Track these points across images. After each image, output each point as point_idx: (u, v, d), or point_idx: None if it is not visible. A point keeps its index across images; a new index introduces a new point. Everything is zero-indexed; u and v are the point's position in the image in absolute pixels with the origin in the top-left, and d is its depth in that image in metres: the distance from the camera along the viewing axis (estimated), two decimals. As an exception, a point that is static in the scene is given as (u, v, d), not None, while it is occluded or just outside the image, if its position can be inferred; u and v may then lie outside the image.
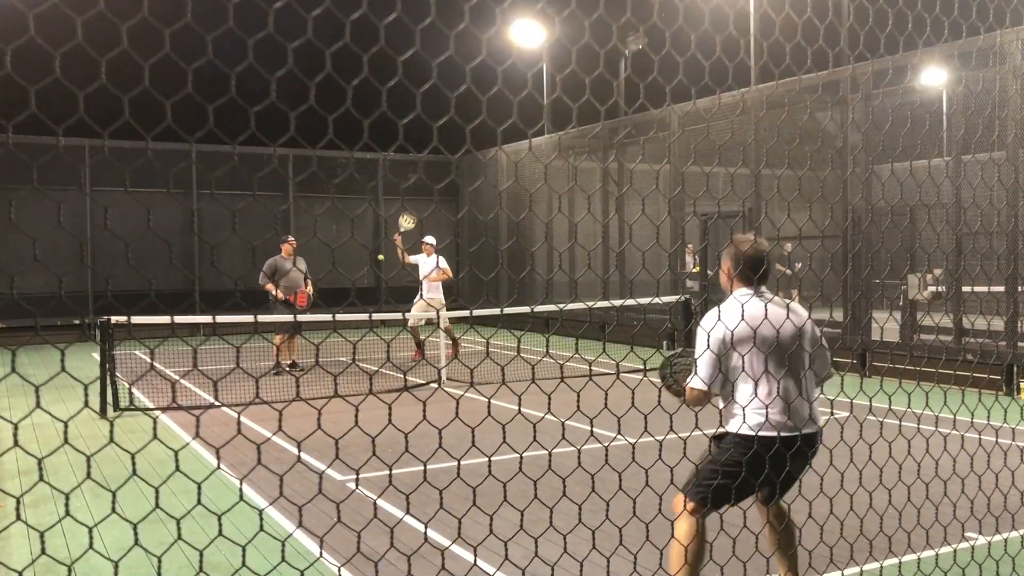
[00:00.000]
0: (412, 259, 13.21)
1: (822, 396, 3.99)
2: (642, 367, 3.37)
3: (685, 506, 3.75)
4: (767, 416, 3.69)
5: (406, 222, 13.35)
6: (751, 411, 3.70)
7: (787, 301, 3.90)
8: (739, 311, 3.64)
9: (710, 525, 3.79)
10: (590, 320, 15.18)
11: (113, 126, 2.26)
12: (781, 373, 3.73)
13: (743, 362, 3.70)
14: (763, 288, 3.87)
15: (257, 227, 18.69)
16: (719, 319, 3.72)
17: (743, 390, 3.74)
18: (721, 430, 3.86)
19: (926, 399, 4.28)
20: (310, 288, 12.52)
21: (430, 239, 13.06)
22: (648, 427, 2.99)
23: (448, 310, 12.58)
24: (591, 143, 18.26)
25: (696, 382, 3.74)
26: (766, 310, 3.69)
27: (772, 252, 3.88)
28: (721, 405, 3.85)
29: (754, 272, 3.82)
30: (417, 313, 12.52)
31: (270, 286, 12.25)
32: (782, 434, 3.68)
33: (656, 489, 3.26)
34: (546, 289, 19.03)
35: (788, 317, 3.77)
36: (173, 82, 2.25)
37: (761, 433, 3.68)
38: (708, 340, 3.72)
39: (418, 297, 12.89)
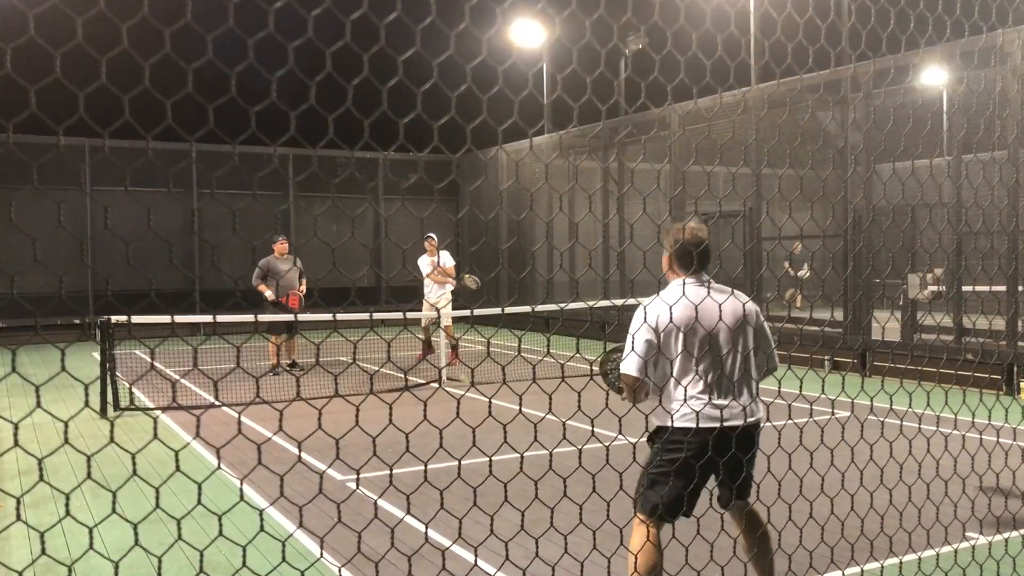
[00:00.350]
0: (420, 265, 13.01)
1: (823, 396, 3.98)
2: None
3: (637, 516, 3.69)
4: (705, 407, 3.60)
5: (471, 282, 13.21)
6: (688, 403, 3.60)
7: (730, 288, 3.75)
8: (675, 298, 3.55)
9: (709, 525, 3.78)
10: (591, 320, 15.19)
11: (113, 126, 2.26)
12: (719, 362, 3.63)
13: (678, 351, 3.59)
14: (704, 275, 3.78)
15: (257, 227, 18.69)
16: (653, 306, 3.62)
17: (679, 381, 3.65)
18: (658, 424, 3.75)
19: (927, 399, 4.28)
20: (304, 287, 12.47)
21: (432, 236, 12.95)
22: (649, 427, 2.99)
23: (450, 309, 12.57)
24: (592, 142, 18.26)
25: (628, 367, 3.61)
26: (704, 298, 3.59)
27: (709, 237, 3.81)
28: (657, 398, 3.74)
29: (692, 258, 3.71)
30: (427, 314, 12.46)
31: (263, 287, 12.21)
32: (724, 424, 3.60)
33: (657, 489, 3.25)
34: (547, 289, 19.03)
35: (724, 305, 3.64)
36: (173, 82, 2.24)
37: (701, 425, 3.60)
38: (640, 327, 3.61)
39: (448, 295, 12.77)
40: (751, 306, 3.75)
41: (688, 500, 3.61)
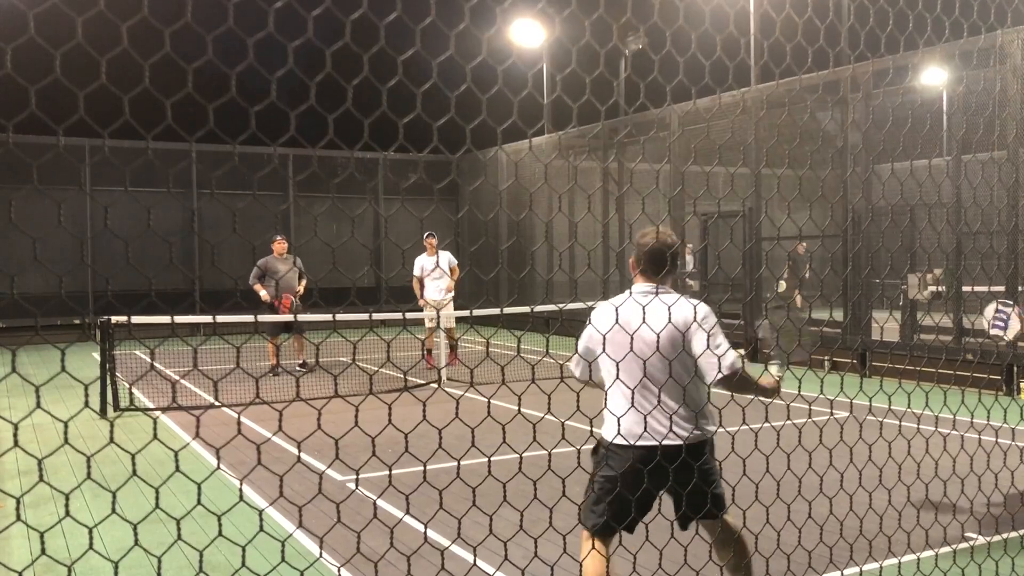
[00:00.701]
0: (418, 268, 12.98)
1: (822, 396, 3.97)
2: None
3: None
4: (635, 425, 3.40)
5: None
6: (625, 418, 3.40)
7: (679, 295, 3.57)
8: (620, 307, 3.42)
9: (709, 524, 3.78)
10: (591, 320, 15.15)
11: (113, 126, 2.26)
12: (656, 375, 3.42)
13: (609, 360, 3.43)
14: (665, 283, 3.61)
15: (257, 227, 18.69)
16: (599, 309, 3.56)
17: (616, 394, 3.47)
18: (599, 436, 3.58)
19: (926, 399, 4.28)
20: (302, 287, 12.44)
21: (433, 235, 12.92)
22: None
23: (452, 309, 12.57)
24: (591, 143, 18.27)
25: (571, 367, 3.58)
26: (646, 304, 3.39)
27: (678, 246, 3.65)
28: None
29: (654, 266, 3.56)
30: (429, 313, 12.43)
31: (259, 287, 12.19)
32: (663, 443, 3.39)
33: (656, 489, 3.25)
34: (546, 289, 19.04)
35: (665, 313, 3.44)
36: (173, 82, 2.25)
37: (638, 443, 3.40)
38: (585, 329, 3.55)
39: (450, 296, 12.73)
40: (702, 308, 3.51)
41: (630, 517, 3.43)
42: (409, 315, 12.28)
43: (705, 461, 3.52)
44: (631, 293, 3.55)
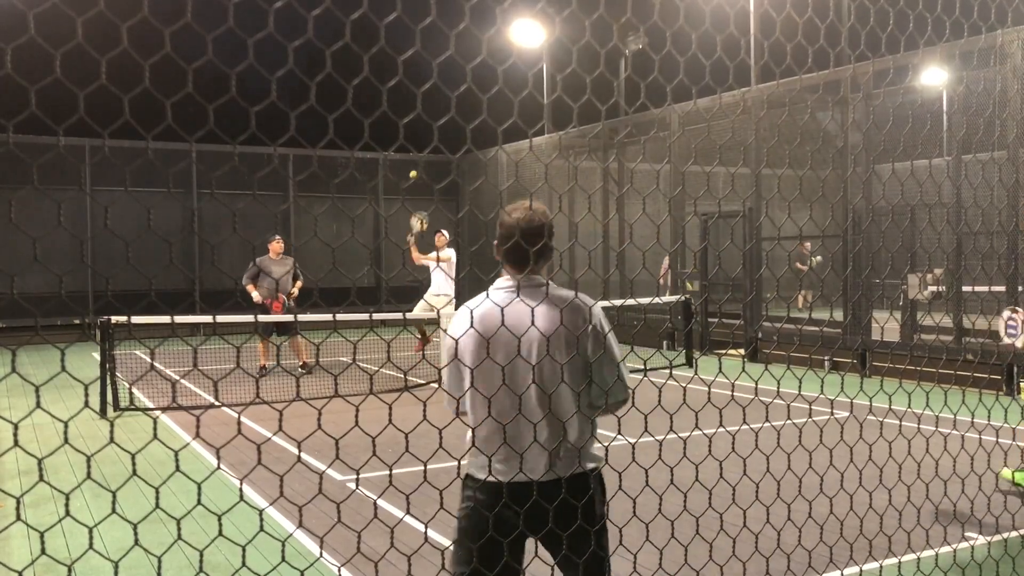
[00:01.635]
0: (425, 260, 12.96)
1: (822, 396, 3.96)
2: (642, 367, 3.36)
3: None
4: (495, 453, 2.82)
5: (419, 223, 13.06)
6: (484, 445, 2.85)
7: (572, 293, 2.88)
8: (476, 304, 2.81)
9: (709, 525, 3.78)
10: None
11: (113, 126, 2.26)
12: (526, 394, 2.80)
13: (469, 375, 2.83)
14: (537, 275, 2.92)
15: (257, 227, 18.69)
16: (460, 313, 2.91)
17: (477, 416, 2.88)
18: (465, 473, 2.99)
19: (926, 399, 4.28)
20: (297, 289, 12.43)
21: (443, 232, 12.90)
22: (648, 427, 2.99)
23: (452, 308, 12.55)
24: (591, 143, 18.26)
25: (444, 382, 3.00)
26: (509, 305, 2.76)
27: (548, 226, 2.94)
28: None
29: (522, 250, 2.81)
30: (427, 313, 12.41)
31: (251, 287, 12.18)
32: (534, 479, 2.79)
33: (656, 489, 3.25)
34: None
35: (542, 316, 2.79)
36: (173, 82, 2.25)
37: (492, 477, 2.82)
38: (444, 351, 2.91)
39: (450, 292, 12.69)
40: (598, 308, 2.90)
41: (497, 564, 2.82)
42: (409, 316, 12.28)
43: (590, 500, 2.88)
44: (494, 289, 2.90)
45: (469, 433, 2.89)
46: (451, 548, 2.95)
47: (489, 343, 2.75)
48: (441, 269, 12.57)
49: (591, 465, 2.91)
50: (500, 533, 2.78)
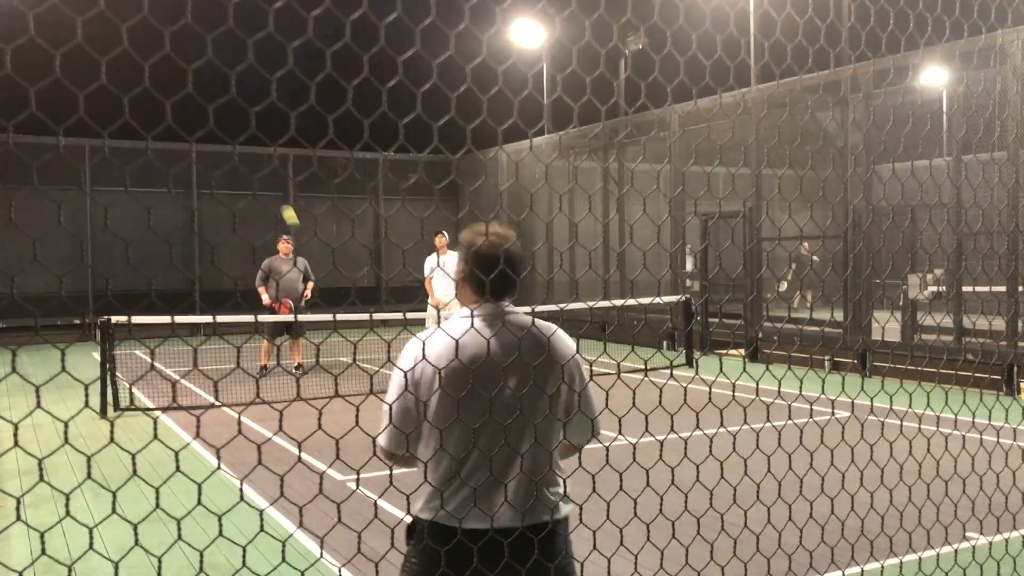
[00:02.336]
0: (427, 270, 12.85)
1: (823, 396, 3.96)
2: (643, 367, 3.36)
3: None
4: (461, 498, 2.56)
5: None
6: (441, 488, 2.58)
7: (530, 320, 2.69)
8: (453, 333, 2.54)
9: (709, 524, 3.78)
10: (591, 320, 15.20)
11: (113, 126, 2.26)
12: (496, 430, 2.55)
13: (431, 410, 2.56)
14: (504, 302, 2.68)
15: (257, 227, 18.68)
16: (414, 344, 2.64)
17: (431, 455, 2.59)
18: (412, 517, 2.68)
19: (927, 399, 4.28)
20: (309, 290, 12.43)
21: (443, 233, 12.90)
22: (649, 427, 2.99)
23: (446, 308, 12.56)
24: (592, 143, 18.26)
25: (382, 439, 2.65)
26: (491, 335, 2.57)
27: (520, 253, 2.68)
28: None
29: (486, 277, 2.60)
30: (431, 313, 12.39)
31: (262, 289, 12.20)
32: (497, 525, 2.53)
33: (657, 489, 3.25)
34: (547, 289, 19.04)
35: (517, 346, 2.57)
36: (173, 82, 2.24)
37: (462, 526, 2.53)
38: (395, 376, 2.62)
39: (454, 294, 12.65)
40: (568, 346, 2.71)
41: None
42: (410, 315, 12.27)
43: (564, 553, 2.68)
44: (472, 317, 2.62)
45: (434, 476, 2.61)
46: None
47: (449, 373, 2.54)
48: (446, 275, 12.52)
49: (569, 504, 2.74)
50: None
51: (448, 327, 2.58)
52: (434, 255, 12.95)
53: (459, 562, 2.52)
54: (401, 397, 2.59)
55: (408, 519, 2.72)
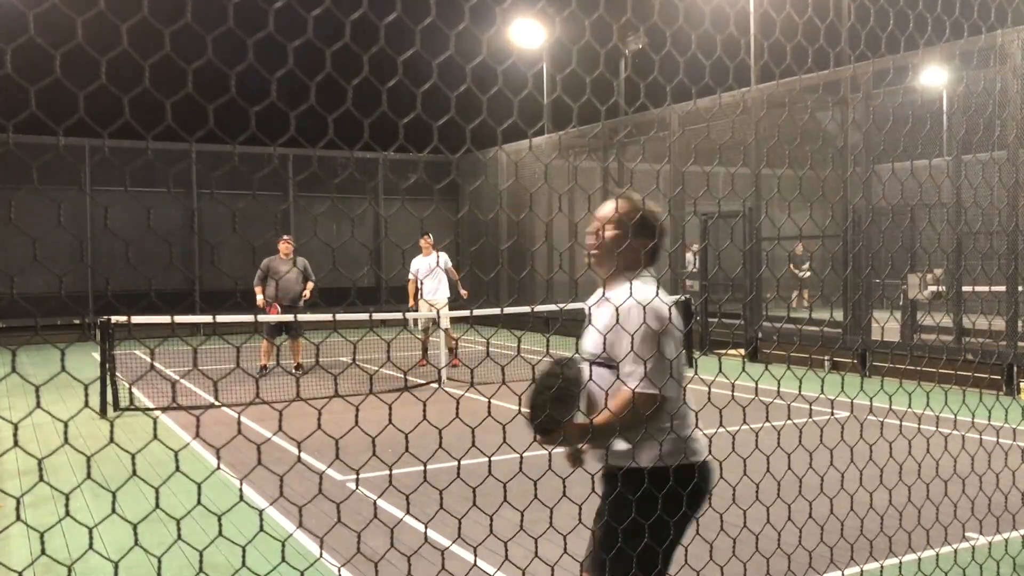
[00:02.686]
0: (413, 271, 12.99)
1: (822, 396, 3.95)
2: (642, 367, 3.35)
3: None
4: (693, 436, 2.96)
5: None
6: (683, 429, 2.94)
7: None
8: (655, 295, 2.89)
9: (708, 524, 3.78)
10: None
11: (113, 126, 2.26)
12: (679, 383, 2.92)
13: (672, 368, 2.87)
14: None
15: (257, 227, 18.69)
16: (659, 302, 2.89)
17: (673, 403, 2.89)
18: (630, 464, 2.89)
19: (926, 399, 4.28)
20: (308, 291, 12.42)
21: (428, 235, 12.96)
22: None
23: (448, 310, 12.57)
24: (591, 143, 18.27)
25: (646, 385, 2.83)
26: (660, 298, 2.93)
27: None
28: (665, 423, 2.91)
29: (652, 244, 3.00)
30: (425, 313, 12.43)
31: (258, 289, 12.19)
32: (699, 460, 3.00)
33: (656, 489, 3.25)
34: (546, 289, 19.04)
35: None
36: (173, 82, 2.24)
37: (686, 461, 2.93)
38: (663, 334, 2.85)
39: (447, 295, 12.73)
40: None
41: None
42: (409, 315, 12.29)
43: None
44: (648, 283, 2.97)
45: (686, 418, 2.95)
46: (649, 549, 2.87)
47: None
48: (437, 274, 12.58)
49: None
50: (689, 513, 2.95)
51: (650, 291, 2.88)
52: (419, 257, 12.98)
53: (699, 489, 2.93)
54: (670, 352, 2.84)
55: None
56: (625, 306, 2.83)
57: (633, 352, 2.81)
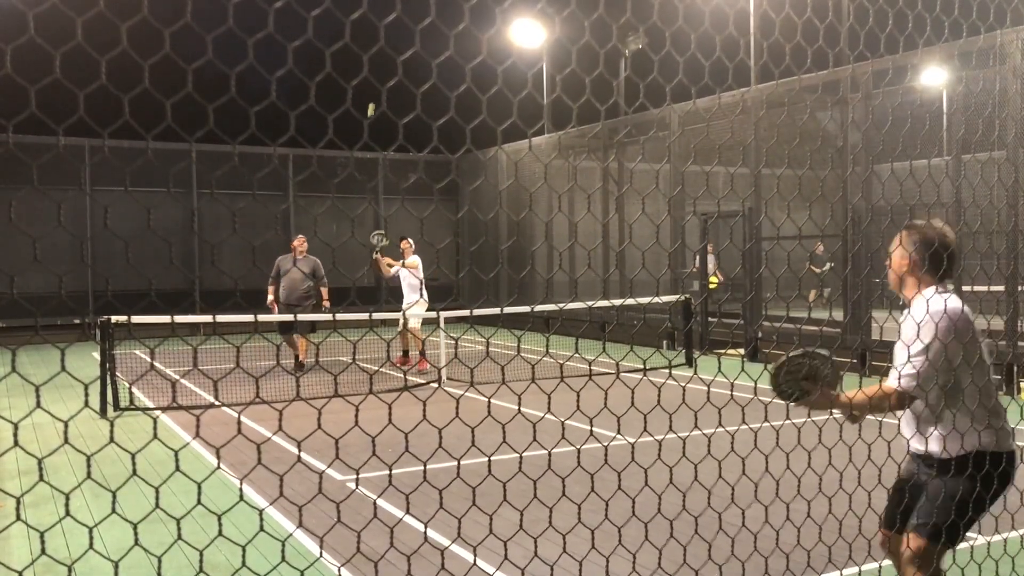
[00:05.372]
0: (394, 269, 13.01)
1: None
2: (642, 367, 3.37)
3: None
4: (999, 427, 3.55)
5: (379, 241, 13.14)
6: (993, 420, 3.54)
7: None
8: (957, 307, 3.45)
9: (708, 524, 3.79)
10: (590, 320, 15.19)
11: (113, 126, 2.26)
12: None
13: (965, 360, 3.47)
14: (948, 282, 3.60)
15: (257, 227, 18.69)
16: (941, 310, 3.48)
17: (971, 397, 3.51)
18: (967, 450, 3.50)
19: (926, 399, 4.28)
20: (326, 298, 12.47)
21: (408, 239, 13.01)
22: (647, 427, 3.00)
23: (447, 310, 12.58)
24: (591, 143, 18.27)
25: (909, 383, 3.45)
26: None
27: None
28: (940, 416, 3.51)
29: (945, 263, 3.59)
30: (420, 312, 12.43)
31: (271, 289, 12.35)
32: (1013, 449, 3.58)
33: (655, 489, 3.26)
34: (546, 289, 19.04)
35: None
36: (173, 82, 2.25)
37: (996, 449, 3.53)
38: (942, 333, 3.41)
39: (417, 297, 12.74)
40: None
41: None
42: (390, 314, 12.35)
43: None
44: (943, 292, 3.57)
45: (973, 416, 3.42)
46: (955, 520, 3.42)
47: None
48: (411, 275, 12.61)
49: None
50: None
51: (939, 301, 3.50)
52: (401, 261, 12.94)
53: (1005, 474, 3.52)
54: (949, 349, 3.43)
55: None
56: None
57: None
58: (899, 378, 3.41)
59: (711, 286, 15.94)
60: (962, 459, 3.46)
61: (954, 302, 3.47)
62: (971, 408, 3.44)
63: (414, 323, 12.29)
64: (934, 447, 3.51)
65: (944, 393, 3.43)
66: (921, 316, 3.44)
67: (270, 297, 12.29)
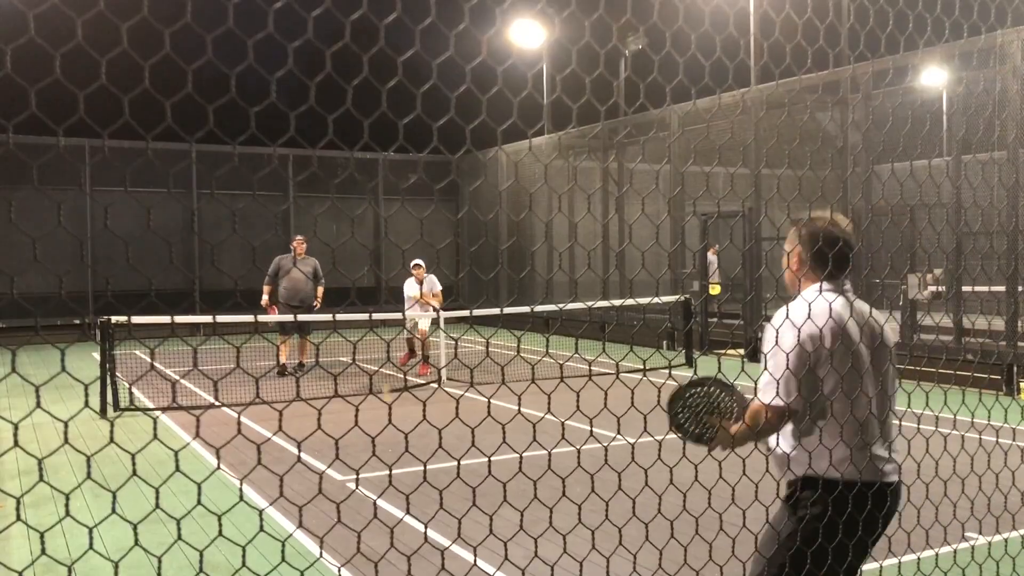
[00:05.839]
0: (409, 298, 12.89)
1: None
2: (642, 367, 3.36)
3: None
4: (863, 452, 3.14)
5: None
6: (844, 442, 3.09)
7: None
8: (833, 304, 3.07)
9: (708, 524, 3.79)
10: (590, 320, 15.19)
11: (113, 126, 2.26)
12: (888, 389, 3.25)
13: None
14: (843, 281, 3.28)
15: (257, 227, 18.70)
16: (799, 317, 3.03)
17: (842, 413, 3.08)
18: (804, 473, 3.10)
19: (926, 399, 4.28)
20: (319, 297, 12.44)
21: (420, 263, 12.85)
22: (648, 427, 2.99)
23: (446, 310, 12.57)
24: (591, 143, 18.27)
25: (766, 397, 3.05)
26: (849, 309, 3.13)
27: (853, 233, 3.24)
28: (790, 440, 3.11)
29: (841, 265, 3.25)
30: (420, 313, 12.42)
31: (268, 289, 12.22)
32: (885, 479, 3.20)
33: (655, 489, 3.25)
34: (546, 289, 19.04)
35: (869, 317, 3.20)
36: (173, 82, 2.25)
37: (847, 478, 3.09)
38: (787, 341, 2.99)
39: (412, 304, 12.67)
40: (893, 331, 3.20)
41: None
42: (390, 316, 12.34)
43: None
44: (821, 292, 3.12)
45: (795, 432, 3.05)
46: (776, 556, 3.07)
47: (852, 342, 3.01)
48: (430, 305, 12.50)
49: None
50: (852, 535, 3.01)
51: (805, 303, 3.05)
52: (411, 280, 12.79)
53: (863, 512, 3.05)
54: (808, 356, 2.98)
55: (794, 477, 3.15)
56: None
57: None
58: (757, 391, 3.04)
59: (713, 292, 15.92)
60: (808, 482, 3.07)
61: (821, 303, 3.07)
62: (840, 423, 3.02)
63: (423, 324, 12.27)
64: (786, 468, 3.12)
65: (808, 406, 3.01)
66: (780, 320, 3.02)
67: (265, 298, 12.18)
